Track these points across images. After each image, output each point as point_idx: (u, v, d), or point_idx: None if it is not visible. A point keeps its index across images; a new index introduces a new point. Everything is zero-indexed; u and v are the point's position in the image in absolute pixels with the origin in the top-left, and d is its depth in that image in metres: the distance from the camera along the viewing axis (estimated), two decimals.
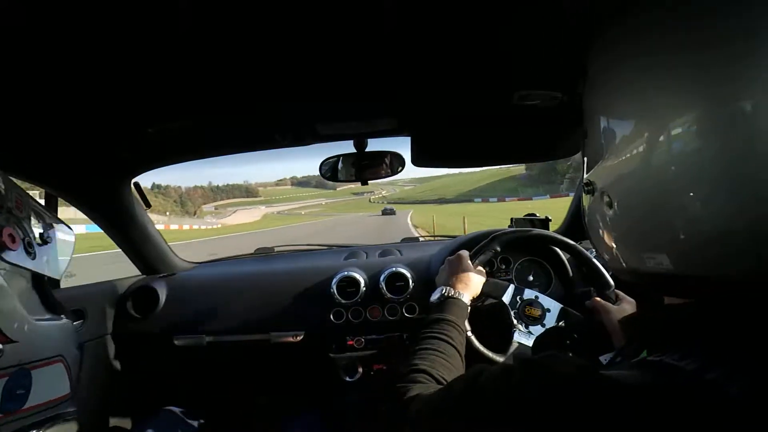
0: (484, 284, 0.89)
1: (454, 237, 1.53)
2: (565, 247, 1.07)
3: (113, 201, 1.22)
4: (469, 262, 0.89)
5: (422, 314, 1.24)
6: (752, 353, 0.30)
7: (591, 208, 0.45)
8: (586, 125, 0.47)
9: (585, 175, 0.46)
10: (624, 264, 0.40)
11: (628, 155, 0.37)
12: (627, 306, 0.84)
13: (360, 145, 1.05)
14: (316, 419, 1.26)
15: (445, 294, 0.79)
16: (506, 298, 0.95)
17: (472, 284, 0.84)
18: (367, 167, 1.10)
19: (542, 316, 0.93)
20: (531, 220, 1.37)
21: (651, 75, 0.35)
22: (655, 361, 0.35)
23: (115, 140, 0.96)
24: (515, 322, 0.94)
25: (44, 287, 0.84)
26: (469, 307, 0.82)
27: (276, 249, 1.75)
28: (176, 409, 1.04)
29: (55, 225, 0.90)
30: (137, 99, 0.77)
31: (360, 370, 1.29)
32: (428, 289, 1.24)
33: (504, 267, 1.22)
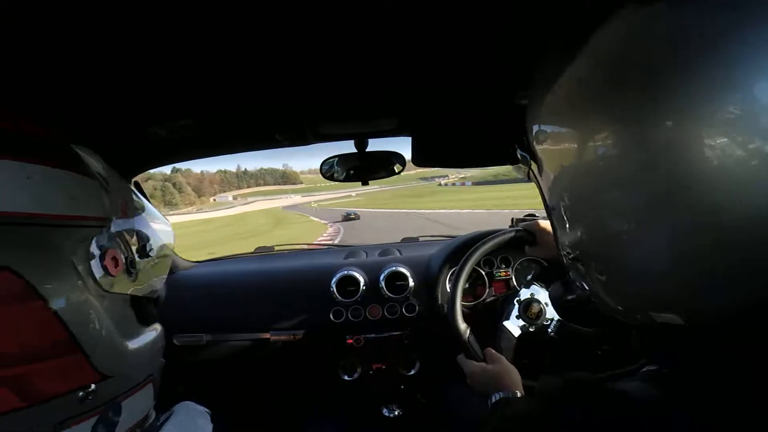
0: (506, 356, 0.88)
1: (453, 237, 1.53)
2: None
3: None
4: (476, 364, 0.86)
5: (422, 313, 1.24)
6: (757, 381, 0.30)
7: (581, 278, 0.42)
8: (549, 200, 0.43)
9: (564, 242, 0.43)
10: (634, 319, 0.38)
11: (599, 221, 0.34)
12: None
13: (361, 144, 1.06)
14: (331, 424, 1.26)
15: (496, 399, 0.77)
16: (515, 332, 0.96)
17: (507, 376, 0.80)
18: (367, 167, 1.10)
19: (541, 311, 0.96)
20: (527, 221, 1.38)
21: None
22: (667, 373, 0.35)
23: (114, 140, 0.96)
24: (537, 329, 0.95)
25: (140, 301, 0.72)
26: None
27: (276, 248, 1.75)
28: (193, 404, 1.02)
29: (154, 223, 0.78)
30: (137, 98, 0.77)
31: (359, 369, 1.29)
32: (428, 288, 1.26)
33: (504, 266, 1.23)
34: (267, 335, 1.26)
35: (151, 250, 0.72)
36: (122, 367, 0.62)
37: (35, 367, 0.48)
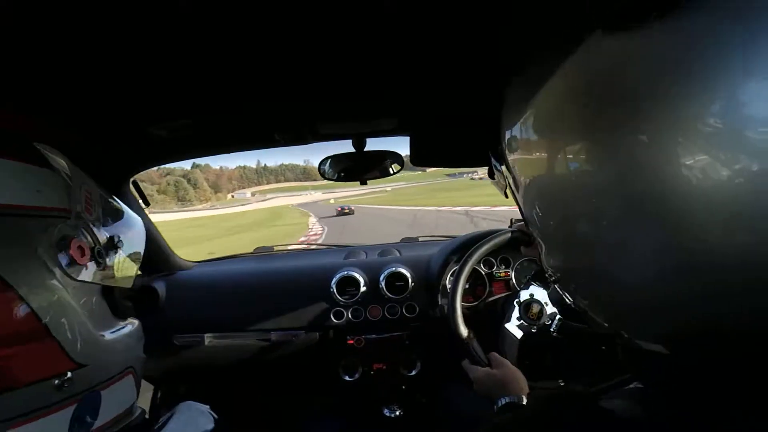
0: (510, 359, 0.88)
1: (453, 237, 1.53)
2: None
3: None
4: (482, 370, 0.86)
5: (422, 314, 1.24)
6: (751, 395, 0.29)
7: (567, 297, 0.41)
8: (525, 213, 0.43)
9: (544, 264, 0.42)
10: (621, 337, 0.37)
11: (576, 250, 0.33)
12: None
13: (359, 144, 1.05)
14: (332, 424, 1.27)
15: (503, 403, 0.76)
16: (517, 333, 0.95)
17: (513, 381, 0.80)
18: (365, 167, 1.10)
19: (542, 311, 0.96)
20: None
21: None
22: (653, 391, 0.35)
23: (114, 139, 0.96)
24: (539, 330, 0.95)
25: (113, 295, 0.75)
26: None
27: (275, 248, 1.75)
28: (195, 404, 1.02)
29: (123, 218, 0.80)
30: (137, 98, 0.77)
31: (360, 369, 1.29)
32: (428, 289, 1.26)
33: (504, 267, 1.22)
34: (267, 335, 1.26)
35: (119, 242, 0.72)
36: (98, 357, 0.62)
37: (7, 352, 0.49)
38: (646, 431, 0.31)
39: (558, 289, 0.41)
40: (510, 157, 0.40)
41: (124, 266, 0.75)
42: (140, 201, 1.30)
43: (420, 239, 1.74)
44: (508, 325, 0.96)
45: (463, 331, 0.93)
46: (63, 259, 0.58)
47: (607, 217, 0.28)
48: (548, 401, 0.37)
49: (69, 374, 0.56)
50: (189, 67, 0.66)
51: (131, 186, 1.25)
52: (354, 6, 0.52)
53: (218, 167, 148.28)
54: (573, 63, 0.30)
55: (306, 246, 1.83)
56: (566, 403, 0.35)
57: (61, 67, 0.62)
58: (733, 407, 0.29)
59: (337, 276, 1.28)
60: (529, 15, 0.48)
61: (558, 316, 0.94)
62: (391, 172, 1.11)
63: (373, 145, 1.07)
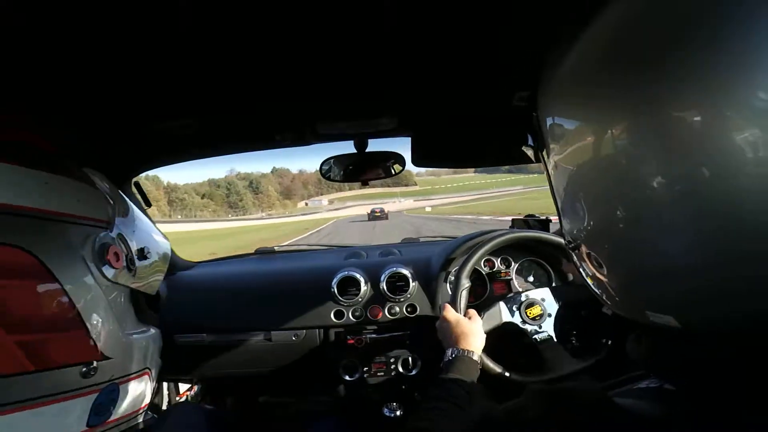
0: (483, 325, 0.90)
1: (453, 237, 1.53)
2: (548, 245, 1.10)
3: None
4: (456, 314, 0.89)
5: (423, 314, 1.24)
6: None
7: (582, 266, 0.40)
8: (557, 186, 0.41)
9: (564, 230, 0.41)
10: (630, 316, 0.36)
11: (604, 214, 0.32)
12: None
13: (361, 145, 1.06)
14: (332, 424, 1.27)
15: (453, 354, 0.80)
16: (505, 316, 0.97)
17: (473, 336, 0.84)
18: (367, 167, 1.11)
19: (542, 313, 0.97)
20: (528, 221, 1.38)
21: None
22: (669, 390, 0.34)
23: (115, 140, 0.97)
24: (526, 328, 0.96)
25: (139, 301, 0.84)
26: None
27: (276, 249, 1.75)
28: (194, 404, 1.03)
29: (153, 235, 0.90)
30: (138, 98, 0.77)
31: (360, 369, 1.29)
32: (428, 288, 1.26)
33: (504, 267, 1.23)
34: (268, 335, 1.26)
35: (148, 252, 0.82)
36: (121, 352, 0.70)
37: (49, 336, 0.57)
38: (660, 429, 0.30)
39: (577, 257, 0.40)
40: (544, 128, 0.39)
41: (150, 273, 0.85)
42: (142, 202, 1.30)
43: (421, 239, 1.74)
44: (501, 304, 0.97)
45: (465, 280, 0.96)
46: (101, 263, 0.66)
47: (648, 197, 0.26)
48: (553, 398, 0.36)
49: (95, 363, 0.63)
50: (190, 66, 0.66)
51: (133, 187, 1.25)
52: (354, 6, 0.52)
53: (297, 171, 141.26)
54: (605, 22, 0.28)
55: (307, 246, 1.83)
56: (577, 402, 0.34)
57: (62, 67, 0.62)
58: (753, 405, 0.28)
59: (338, 276, 1.28)
60: None
61: (550, 332, 0.95)
62: (393, 172, 1.11)
63: (380, 147, 1.05)
